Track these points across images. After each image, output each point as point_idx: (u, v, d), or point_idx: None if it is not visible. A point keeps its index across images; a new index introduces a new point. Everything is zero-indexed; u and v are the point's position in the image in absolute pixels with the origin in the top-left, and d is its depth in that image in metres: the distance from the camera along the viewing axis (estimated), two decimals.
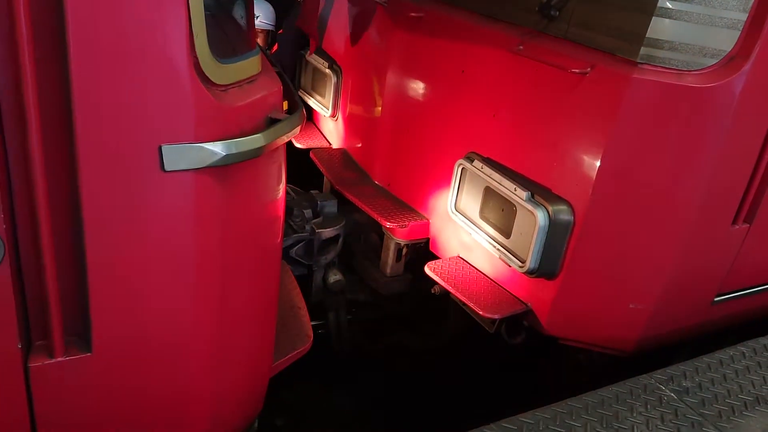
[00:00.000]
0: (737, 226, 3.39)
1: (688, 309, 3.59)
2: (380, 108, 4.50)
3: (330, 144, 5.38)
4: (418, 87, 4.23)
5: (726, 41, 2.90)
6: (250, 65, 2.28)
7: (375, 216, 4.23)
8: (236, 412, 2.66)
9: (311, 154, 5.08)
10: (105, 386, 2.19)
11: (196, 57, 1.93)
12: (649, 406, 3.02)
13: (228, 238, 2.24)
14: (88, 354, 2.10)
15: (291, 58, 5.80)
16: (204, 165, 2.00)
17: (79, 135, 1.84)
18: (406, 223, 4.18)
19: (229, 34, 2.29)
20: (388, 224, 4.17)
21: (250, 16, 2.50)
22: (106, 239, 1.99)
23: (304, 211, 4.36)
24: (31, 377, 2.05)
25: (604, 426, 2.87)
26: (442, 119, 4.00)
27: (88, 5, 1.75)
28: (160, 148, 1.93)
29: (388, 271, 4.45)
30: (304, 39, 5.58)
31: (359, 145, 4.94)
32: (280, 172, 2.52)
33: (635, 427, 2.89)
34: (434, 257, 4.15)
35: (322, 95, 5.27)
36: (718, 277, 3.56)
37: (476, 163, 3.62)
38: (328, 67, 5.09)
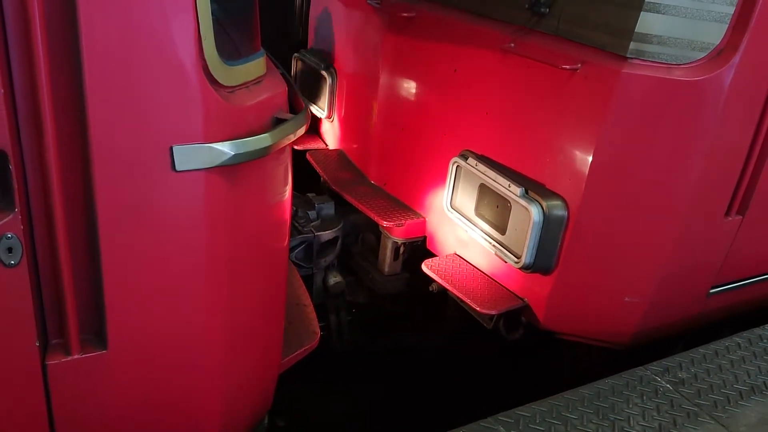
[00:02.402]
0: (730, 218, 3.42)
1: (684, 302, 3.62)
2: (375, 108, 4.53)
3: (326, 145, 5.41)
4: (411, 86, 4.26)
5: (714, 34, 2.93)
6: (256, 67, 2.33)
7: (372, 215, 4.26)
8: (247, 408, 2.71)
9: (308, 156, 5.11)
10: (120, 383, 2.24)
11: (204, 60, 1.97)
12: (645, 398, 3.04)
13: (237, 237, 2.29)
14: (104, 351, 2.15)
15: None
16: (214, 165, 2.05)
17: (93, 137, 1.89)
18: (403, 221, 4.21)
19: (234, 37, 2.33)
20: (385, 223, 4.20)
21: (256, 18, 2.53)
22: (119, 239, 2.03)
23: (309, 212, 4.40)
24: (48, 374, 2.09)
25: (601, 418, 2.89)
26: (437, 118, 4.03)
27: (100, 11, 1.79)
28: (171, 149, 1.98)
29: (386, 270, 4.48)
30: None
31: (355, 145, 4.96)
32: (287, 174, 2.57)
33: (631, 418, 2.91)
34: (431, 255, 4.18)
35: (318, 97, 5.30)
36: (713, 270, 3.59)
37: (470, 160, 3.64)
38: (324, 69, 5.12)
